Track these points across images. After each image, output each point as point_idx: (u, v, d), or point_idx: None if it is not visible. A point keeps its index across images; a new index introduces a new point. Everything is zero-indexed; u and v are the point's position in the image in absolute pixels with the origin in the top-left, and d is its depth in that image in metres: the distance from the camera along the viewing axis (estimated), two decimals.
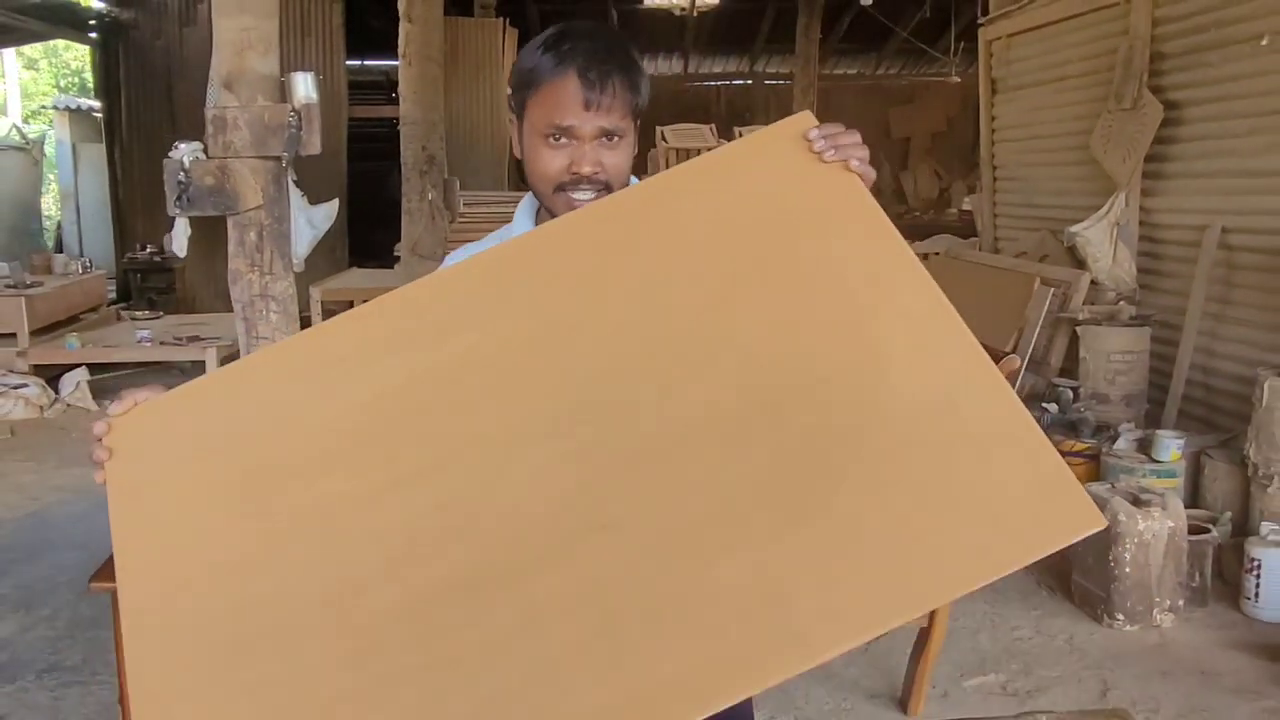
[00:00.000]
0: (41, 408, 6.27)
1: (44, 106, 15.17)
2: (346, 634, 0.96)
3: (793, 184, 1.16)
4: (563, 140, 1.30)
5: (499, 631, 0.93)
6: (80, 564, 3.81)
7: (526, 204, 1.46)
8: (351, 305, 6.05)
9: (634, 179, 1.40)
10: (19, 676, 2.99)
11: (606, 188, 1.32)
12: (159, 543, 1.05)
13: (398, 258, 6.97)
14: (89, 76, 12.82)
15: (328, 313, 7.42)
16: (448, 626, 0.94)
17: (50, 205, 13.59)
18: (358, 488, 1.03)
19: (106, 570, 1.94)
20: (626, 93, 1.31)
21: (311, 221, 2.93)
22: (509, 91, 1.37)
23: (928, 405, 1.02)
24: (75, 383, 6.51)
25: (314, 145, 2.82)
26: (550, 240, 1.18)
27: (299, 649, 0.96)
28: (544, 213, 1.39)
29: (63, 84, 16.99)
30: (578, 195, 1.31)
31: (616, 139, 1.32)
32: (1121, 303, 4.91)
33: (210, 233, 3.69)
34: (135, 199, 10.06)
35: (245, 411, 1.09)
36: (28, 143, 11.94)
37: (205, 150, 2.76)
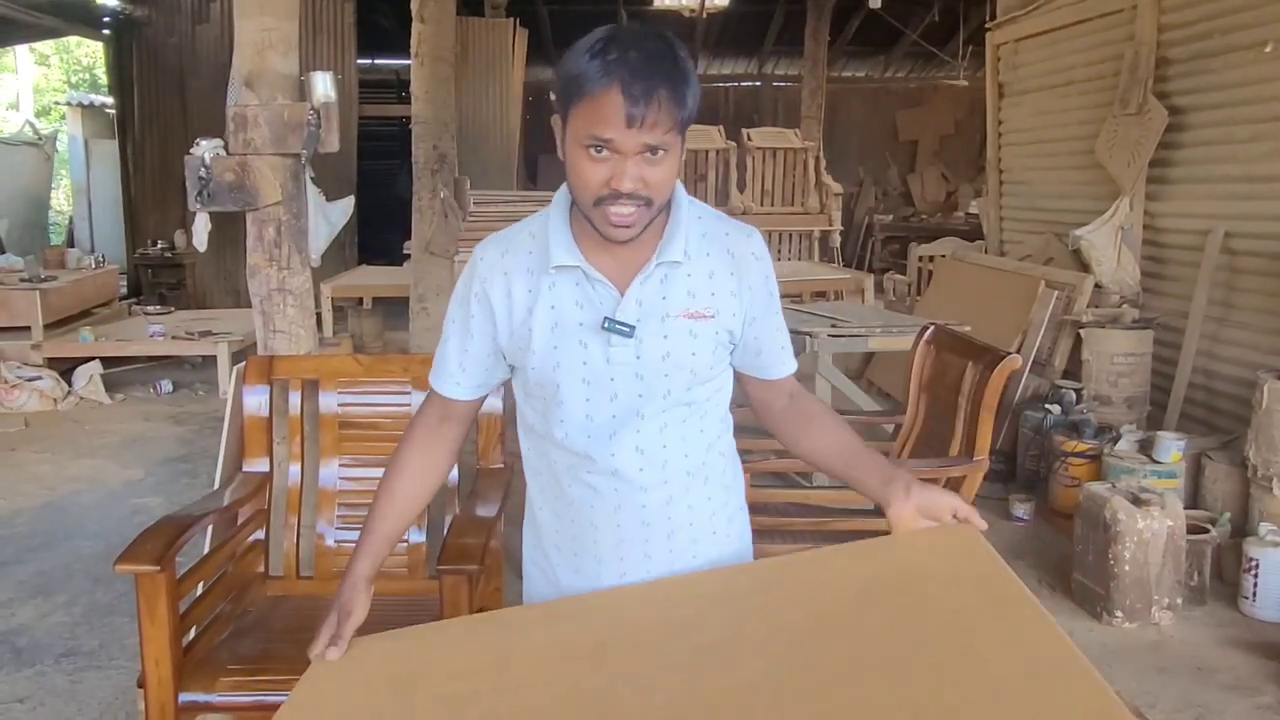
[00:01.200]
0: (55, 400, 6.34)
1: (56, 103, 15.26)
2: None
3: (924, 549, 1.32)
4: (604, 153, 1.26)
5: None
6: (96, 552, 3.88)
7: (561, 199, 1.41)
8: (361, 302, 6.17)
9: (680, 186, 1.40)
10: (38, 661, 3.05)
11: (648, 203, 1.29)
12: None
13: (408, 256, 7.02)
14: (101, 73, 12.93)
15: (337, 309, 7.48)
16: None
17: (62, 201, 13.67)
18: None
19: (129, 554, 2.00)
20: (672, 107, 1.25)
21: (328, 218, 2.99)
22: (552, 95, 1.34)
23: None
24: (88, 376, 6.59)
25: (332, 143, 2.88)
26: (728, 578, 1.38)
27: None
28: (578, 216, 1.37)
29: (75, 80, 17.08)
30: (616, 210, 1.28)
31: (661, 153, 1.27)
32: (1125, 306, 4.96)
33: (221, 230, 3.74)
34: (147, 195, 10.14)
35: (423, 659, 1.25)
36: (40, 138, 12.03)
37: (225, 147, 2.82)
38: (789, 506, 2.99)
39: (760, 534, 2.75)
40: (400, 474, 1.51)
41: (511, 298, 1.41)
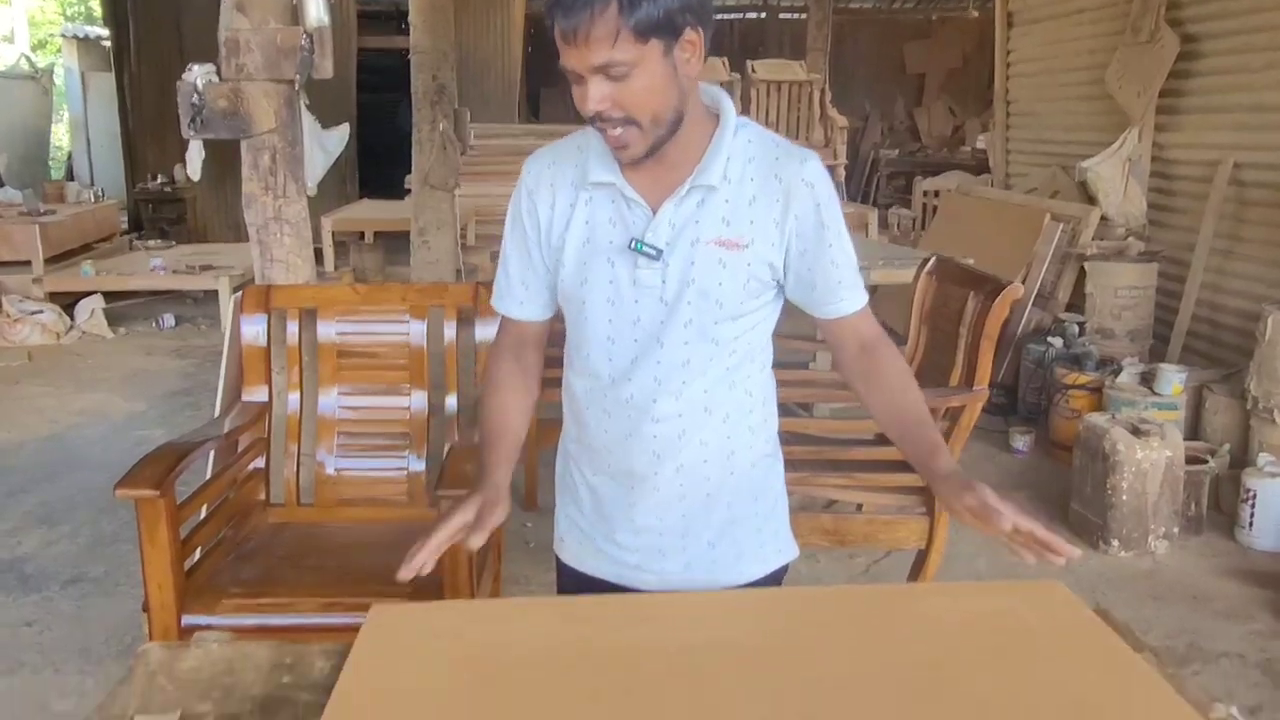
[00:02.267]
0: (58, 334, 6.35)
1: (52, 35, 15.04)
2: None
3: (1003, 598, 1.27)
4: (576, 77, 1.23)
5: None
6: (99, 484, 3.90)
7: None
8: (362, 236, 6.13)
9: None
10: (44, 587, 3.09)
11: (633, 123, 1.24)
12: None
13: (408, 190, 6.96)
14: (96, 5, 12.70)
15: (338, 244, 7.45)
16: None
17: (61, 135, 13.55)
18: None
19: (129, 479, 2.01)
20: (616, 17, 1.16)
21: (324, 145, 2.95)
22: None
23: None
24: (90, 310, 6.59)
25: (326, 69, 2.83)
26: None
27: None
28: None
29: (70, 12, 16.82)
30: (607, 132, 1.25)
31: (622, 69, 1.20)
32: (1130, 238, 4.91)
33: (220, 163, 3.71)
34: (145, 129, 10.04)
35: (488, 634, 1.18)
36: (37, 72, 11.89)
37: (218, 73, 2.78)
38: (786, 435, 3.00)
39: None
40: (490, 417, 1.46)
41: (554, 209, 1.38)
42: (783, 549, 1.52)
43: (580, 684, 1.07)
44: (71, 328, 6.47)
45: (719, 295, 1.32)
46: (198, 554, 2.24)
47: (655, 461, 1.40)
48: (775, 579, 1.50)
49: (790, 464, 2.81)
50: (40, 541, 3.44)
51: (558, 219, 1.38)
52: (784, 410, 3.89)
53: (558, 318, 1.48)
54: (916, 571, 2.73)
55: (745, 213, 1.32)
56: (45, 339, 6.27)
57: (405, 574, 1.25)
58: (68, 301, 6.65)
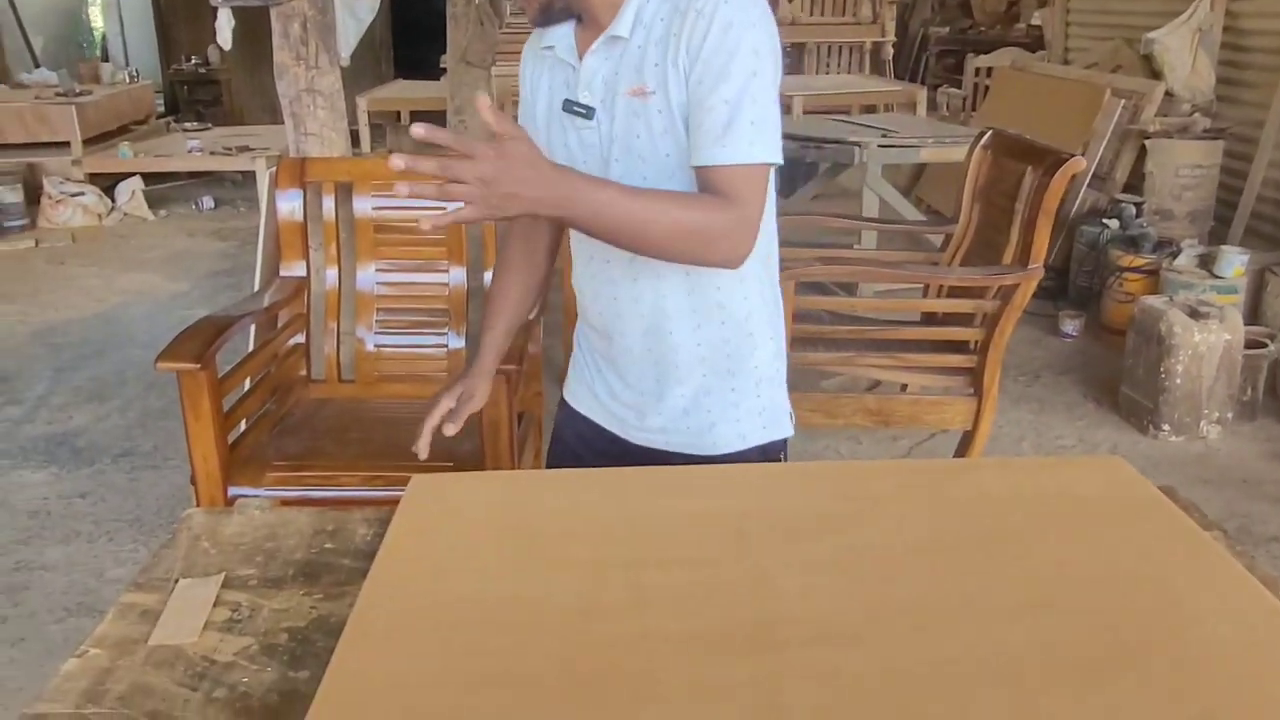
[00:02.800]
0: (100, 216, 6.37)
1: None
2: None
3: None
4: None
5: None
6: (146, 360, 3.94)
7: None
8: (398, 116, 6.03)
9: None
10: (96, 460, 3.15)
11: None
12: (418, 568, 1.03)
13: (444, 69, 6.80)
14: None
15: (374, 125, 7.34)
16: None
17: (95, 15, 13.37)
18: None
19: (170, 352, 2.01)
20: None
21: (355, 13, 2.86)
22: None
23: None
24: (130, 192, 6.59)
25: None
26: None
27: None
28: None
29: None
30: None
31: None
32: (1196, 115, 4.69)
33: (254, 44, 3.62)
34: (178, 9, 9.87)
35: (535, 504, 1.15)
36: None
37: None
38: (829, 315, 2.94)
39: (801, 342, 2.72)
40: (490, 301, 1.53)
41: (530, 84, 1.41)
42: (768, 425, 1.43)
43: (624, 554, 1.05)
44: (113, 209, 6.48)
45: (640, 149, 1.26)
46: (242, 426, 2.25)
47: (620, 322, 1.40)
48: (764, 454, 1.43)
49: (834, 344, 2.77)
50: (91, 416, 3.49)
51: (531, 93, 1.40)
52: (826, 290, 3.80)
53: None
54: (962, 453, 2.69)
55: (652, 56, 1.23)
56: (87, 220, 6.29)
57: (420, 451, 1.41)
58: (107, 184, 6.65)
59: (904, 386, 3.11)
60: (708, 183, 1.21)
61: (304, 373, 2.56)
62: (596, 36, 1.27)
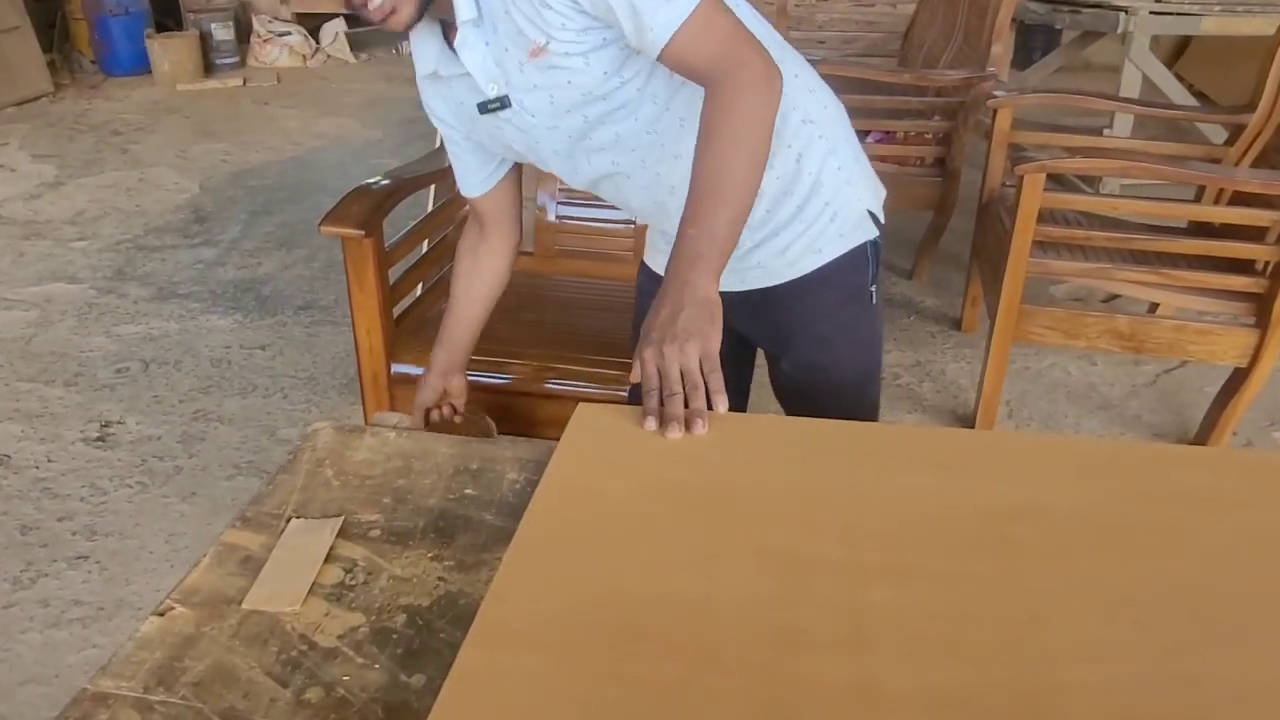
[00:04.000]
0: (304, 56, 6.38)
1: None
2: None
3: None
4: None
5: None
6: None
7: None
8: None
9: None
10: (279, 310, 3.12)
11: None
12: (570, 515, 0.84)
13: None
14: None
15: None
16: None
17: None
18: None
19: (334, 216, 1.85)
20: None
21: None
22: None
23: None
24: (334, 34, 6.55)
25: None
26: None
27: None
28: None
29: None
30: (369, 8, 1.08)
31: None
32: None
33: None
34: None
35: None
36: None
37: None
38: (1079, 217, 2.50)
39: (1046, 247, 2.32)
40: (451, 308, 1.56)
41: (444, 111, 1.29)
42: (844, 233, 1.27)
43: (835, 552, 0.79)
44: (317, 50, 6.47)
45: (576, 95, 1.13)
46: (417, 292, 2.10)
47: (663, 212, 1.27)
48: (853, 263, 1.28)
49: (1087, 252, 2.35)
50: (278, 264, 3.47)
51: (454, 119, 1.30)
52: (1067, 186, 3.30)
53: None
54: (1229, 394, 2.26)
55: (518, 14, 1.07)
56: (292, 61, 6.31)
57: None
58: (313, 24, 6.63)
59: (1153, 306, 2.66)
60: (682, 64, 1.05)
61: None
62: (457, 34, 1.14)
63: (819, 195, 1.24)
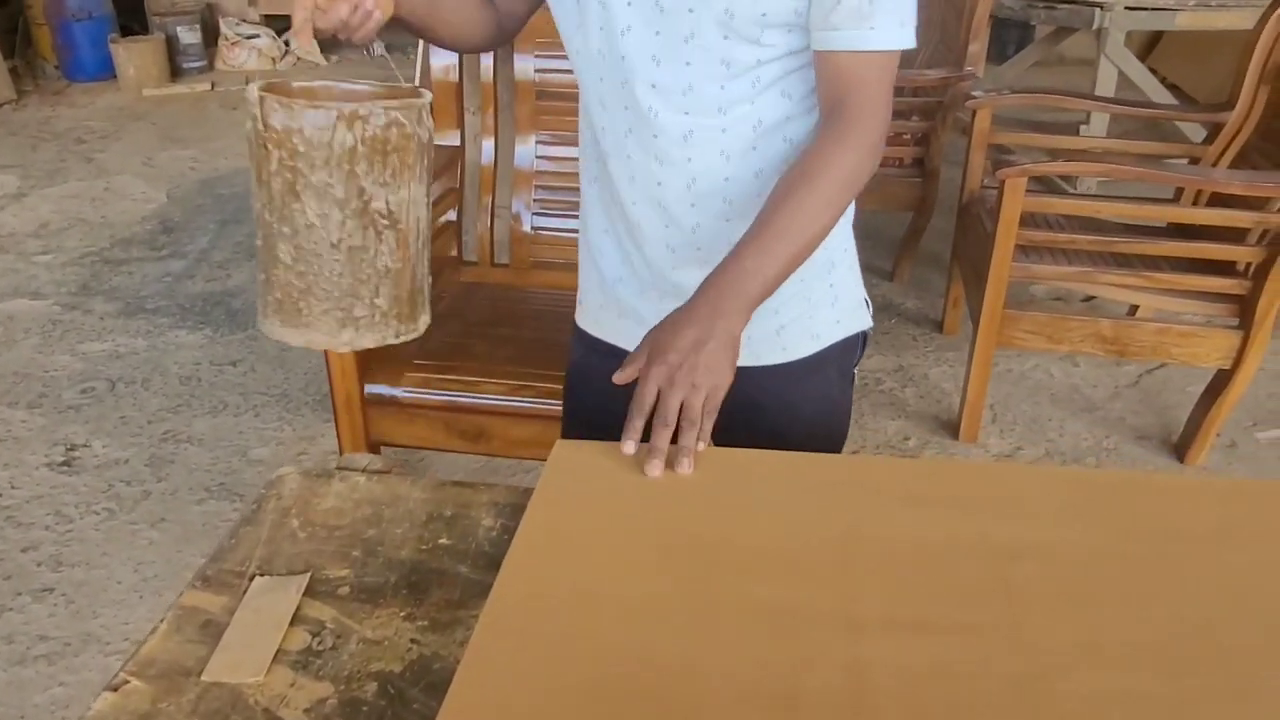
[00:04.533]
0: (273, 59, 6.28)
1: None
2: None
3: None
4: None
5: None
6: None
7: None
8: None
9: None
10: (251, 324, 3.06)
11: None
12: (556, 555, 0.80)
13: None
14: None
15: None
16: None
17: None
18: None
19: None
20: None
21: None
22: None
23: None
24: None
25: None
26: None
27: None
28: None
29: None
30: None
31: None
32: None
33: None
34: None
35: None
36: None
37: None
38: (1060, 219, 2.48)
39: (1028, 251, 2.30)
40: None
41: None
42: (842, 319, 1.18)
43: (831, 603, 0.75)
44: (286, 53, 6.38)
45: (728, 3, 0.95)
46: None
47: (639, 213, 1.10)
48: (843, 352, 1.19)
49: (1070, 256, 2.33)
50: (249, 276, 3.40)
51: None
52: (1049, 187, 3.29)
53: None
54: (1213, 395, 2.24)
55: None
56: (261, 64, 6.21)
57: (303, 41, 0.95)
58: (282, 26, 6.53)
59: (1133, 309, 2.65)
60: (835, 77, 0.97)
61: (454, 253, 2.32)
62: None
63: (828, 274, 1.14)
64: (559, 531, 0.82)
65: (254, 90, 0.90)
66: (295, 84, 0.99)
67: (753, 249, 0.95)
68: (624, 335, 1.17)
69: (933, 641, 0.72)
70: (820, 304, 1.14)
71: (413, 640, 0.78)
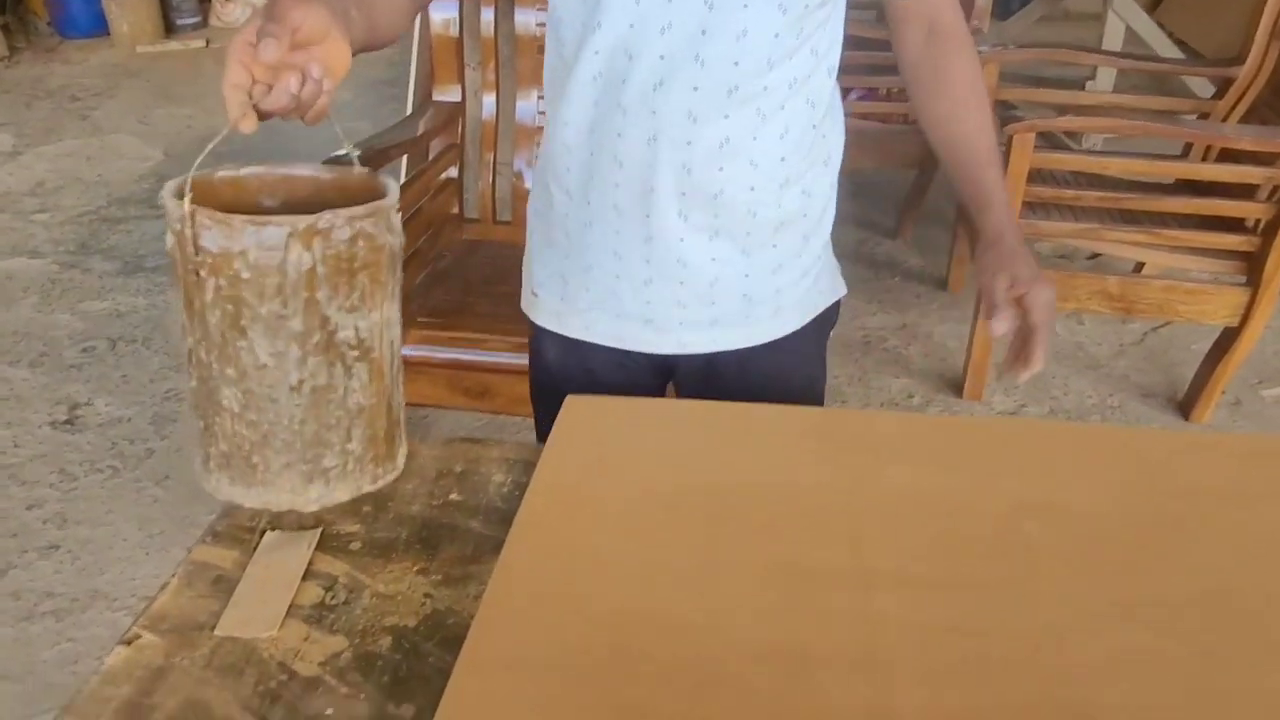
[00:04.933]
0: None
1: None
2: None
3: None
4: None
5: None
6: None
7: None
8: None
9: None
10: None
11: None
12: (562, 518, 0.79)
13: None
14: None
15: None
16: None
17: None
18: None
19: None
20: None
21: None
22: None
23: None
24: None
25: None
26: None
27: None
28: None
29: None
30: None
31: None
32: None
33: None
34: None
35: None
36: None
37: None
38: (1067, 175, 2.46)
39: (1035, 207, 2.28)
40: None
41: None
42: (825, 289, 1.14)
43: (844, 560, 0.75)
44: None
45: None
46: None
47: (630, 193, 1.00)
48: (821, 326, 1.15)
49: (1078, 213, 2.31)
50: None
51: None
52: (1054, 143, 3.27)
53: None
54: (1219, 353, 2.24)
55: None
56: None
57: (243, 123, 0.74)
58: None
59: (1139, 266, 2.63)
60: (912, 7, 1.04)
61: (456, 210, 2.30)
62: None
63: (823, 232, 1.09)
64: (570, 488, 0.82)
65: (173, 203, 0.71)
66: (219, 173, 0.80)
67: (989, 160, 1.03)
68: (624, 333, 1.09)
69: (947, 598, 0.72)
70: (816, 266, 1.10)
71: (426, 595, 0.77)
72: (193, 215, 0.69)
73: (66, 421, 2.38)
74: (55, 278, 3.06)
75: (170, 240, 0.72)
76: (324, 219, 0.71)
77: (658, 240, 1.01)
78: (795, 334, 1.11)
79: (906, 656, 0.67)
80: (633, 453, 0.86)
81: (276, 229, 0.69)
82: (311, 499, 0.77)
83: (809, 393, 1.16)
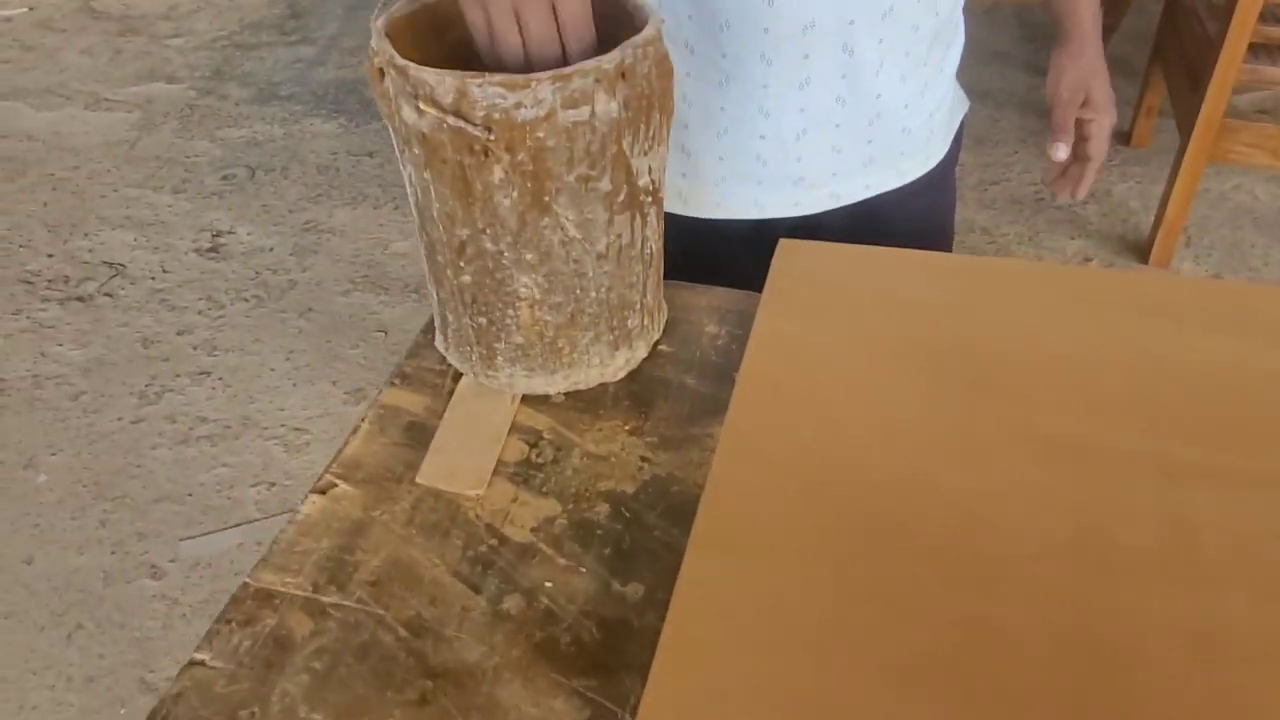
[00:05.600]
0: None
1: None
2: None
3: None
4: None
5: None
6: None
7: None
8: None
9: None
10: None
11: None
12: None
13: None
14: None
15: None
16: None
17: None
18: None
19: None
20: None
21: None
22: None
23: None
24: None
25: None
26: None
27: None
28: None
29: None
30: None
31: None
32: None
33: None
34: None
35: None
36: None
37: None
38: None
39: (1259, 51, 2.00)
40: None
41: None
42: (954, 108, 1.01)
43: (1138, 441, 0.63)
44: None
45: None
46: None
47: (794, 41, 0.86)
48: (949, 159, 1.02)
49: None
50: None
51: None
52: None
53: None
54: None
55: None
56: None
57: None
58: None
59: None
60: None
61: None
62: None
63: (961, 33, 0.96)
64: (795, 342, 0.71)
65: (429, 74, 0.57)
66: (393, 12, 0.64)
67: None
68: (766, 200, 0.96)
69: (1271, 498, 0.60)
70: (951, 85, 0.99)
71: (643, 459, 0.68)
72: (464, 87, 0.56)
73: (211, 249, 2.37)
74: (193, 104, 3.03)
75: (410, 114, 0.59)
76: (628, 55, 0.59)
77: (815, 83, 0.86)
78: (941, 163, 1.00)
79: (1231, 567, 0.55)
80: (860, 303, 0.74)
81: (581, 79, 0.57)
82: (620, 366, 0.73)
83: (945, 234, 1.07)
